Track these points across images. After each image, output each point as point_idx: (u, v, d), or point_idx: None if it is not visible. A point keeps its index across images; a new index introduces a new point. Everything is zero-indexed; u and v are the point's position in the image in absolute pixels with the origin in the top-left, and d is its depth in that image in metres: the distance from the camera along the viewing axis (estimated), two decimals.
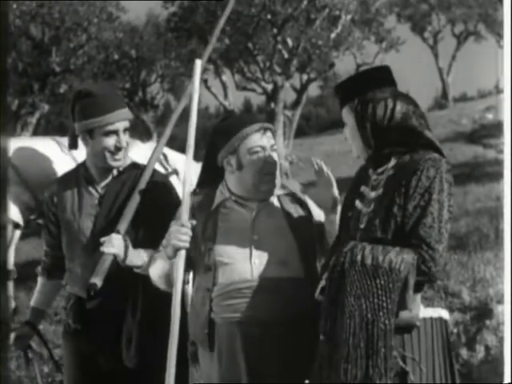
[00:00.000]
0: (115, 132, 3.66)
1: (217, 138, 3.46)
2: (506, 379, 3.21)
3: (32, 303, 3.98)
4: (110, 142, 3.66)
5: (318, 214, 3.49)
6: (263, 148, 3.40)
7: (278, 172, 3.44)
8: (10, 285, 3.89)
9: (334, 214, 3.38)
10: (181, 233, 3.32)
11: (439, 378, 2.97)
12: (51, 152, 3.99)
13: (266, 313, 3.31)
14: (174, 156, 4.35)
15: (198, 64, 3.58)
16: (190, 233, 3.33)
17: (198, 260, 3.43)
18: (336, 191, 3.36)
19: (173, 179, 4.01)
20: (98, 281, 3.42)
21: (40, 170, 3.91)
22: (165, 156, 4.27)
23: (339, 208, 3.36)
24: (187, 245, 3.32)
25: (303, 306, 3.30)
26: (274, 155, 3.42)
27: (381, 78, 3.13)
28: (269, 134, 3.43)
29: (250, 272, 3.34)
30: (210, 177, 3.53)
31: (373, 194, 3.08)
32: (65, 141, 4.07)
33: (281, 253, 3.36)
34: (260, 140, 3.40)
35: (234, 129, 3.42)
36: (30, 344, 3.98)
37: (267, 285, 3.32)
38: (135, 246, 3.59)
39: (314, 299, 3.24)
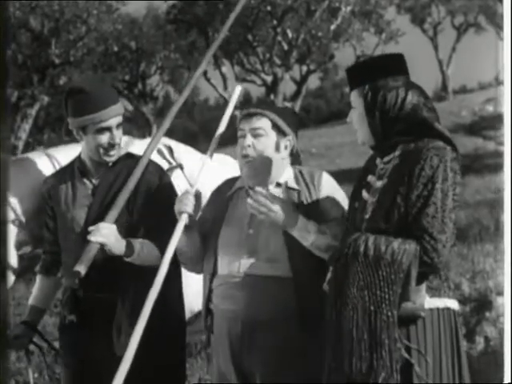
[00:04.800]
0: (108, 129, 3.65)
1: None
2: (506, 371, 3.21)
3: (30, 301, 3.93)
4: (104, 139, 3.65)
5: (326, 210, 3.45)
6: (243, 131, 3.46)
7: (263, 154, 3.43)
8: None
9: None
10: (185, 198, 3.38)
11: (446, 370, 2.93)
12: (43, 169, 3.98)
13: (250, 310, 3.31)
14: (179, 150, 4.32)
15: (238, 90, 3.72)
16: (193, 200, 3.38)
17: (207, 244, 3.49)
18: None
19: (177, 173, 4.00)
20: (81, 269, 3.40)
21: (32, 190, 3.90)
22: (170, 149, 4.25)
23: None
24: (189, 209, 3.37)
25: (287, 305, 3.30)
26: (255, 139, 3.44)
27: (394, 66, 3.09)
28: (255, 118, 3.45)
29: (237, 267, 3.36)
30: None
31: (379, 184, 3.04)
32: (55, 152, 4.08)
33: (270, 250, 3.35)
34: (242, 124, 3.47)
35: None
36: (32, 340, 3.95)
37: (252, 282, 3.33)
38: (128, 236, 3.58)
39: (301, 299, 3.27)
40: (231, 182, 3.60)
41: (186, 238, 3.43)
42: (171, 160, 4.22)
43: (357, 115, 3.12)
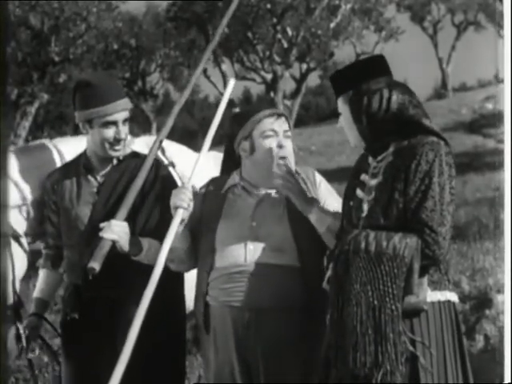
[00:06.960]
0: (114, 123, 3.66)
1: (234, 125, 3.56)
2: (506, 369, 3.21)
3: (36, 294, 3.93)
4: (109, 133, 3.66)
5: (330, 204, 3.49)
6: (275, 132, 3.47)
7: (290, 157, 3.47)
8: None
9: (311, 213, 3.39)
10: (181, 193, 3.41)
11: (450, 362, 2.95)
12: (50, 162, 3.98)
13: (256, 298, 3.33)
14: (171, 148, 4.33)
15: (232, 83, 3.80)
16: (190, 195, 3.42)
17: (201, 241, 3.49)
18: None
19: None
20: (96, 265, 3.41)
21: (40, 183, 3.89)
22: (162, 148, 4.26)
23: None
24: (185, 204, 3.40)
25: (296, 294, 3.33)
26: (287, 141, 3.48)
27: (375, 68, 3.10)
28: (283, 119, 3.50)
29: (243, 257, 3.38)
30: (230, 167, 3.62)
31: (373, 182, 3.06)
32: (60, 143, 4.06)
33: (276, 240, 3.38)
34: (272, 124, 3.47)
35: (249, 114, 3.53)
36: (40, 334, 3.96)
37: (260, 271, 3.35)
38: (133, 234, 3.58)
39: (308, 288, 3.29)
40: (219, 180, 3.62)
41: (179, 234, 3.45)
42: (163, 158, 4.23)
43: (345, 121, 3.14)
